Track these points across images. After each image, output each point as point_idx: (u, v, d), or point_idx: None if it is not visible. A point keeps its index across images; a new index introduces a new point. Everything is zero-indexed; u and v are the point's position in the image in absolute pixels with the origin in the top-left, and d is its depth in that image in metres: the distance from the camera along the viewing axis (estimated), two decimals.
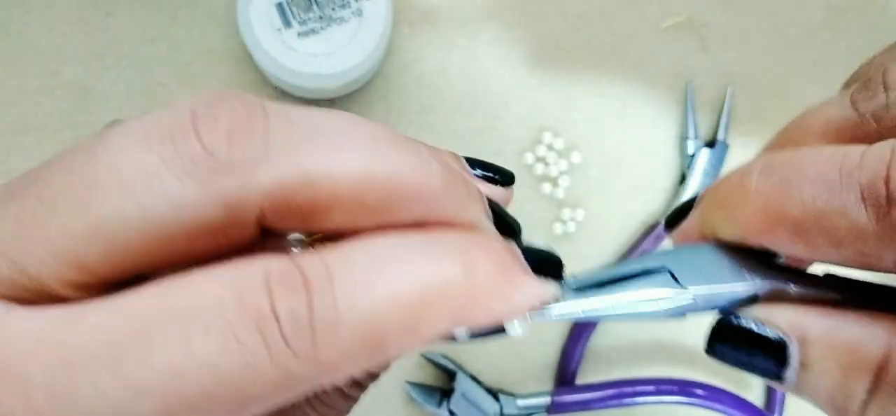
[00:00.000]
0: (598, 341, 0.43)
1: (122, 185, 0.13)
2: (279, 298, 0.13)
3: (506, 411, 0.40)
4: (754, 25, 0.45)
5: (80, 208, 0.13)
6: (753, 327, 0.17)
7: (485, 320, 0.15)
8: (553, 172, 0.43)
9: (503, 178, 0.21)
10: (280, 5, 0.39)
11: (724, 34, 0.45)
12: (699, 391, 0.41)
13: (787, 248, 0.17)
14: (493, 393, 0.41)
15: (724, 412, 0.41)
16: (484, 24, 0.44)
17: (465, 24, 0.43)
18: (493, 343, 0.43)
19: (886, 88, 0.18)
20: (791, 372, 0.17)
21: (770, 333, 0.17)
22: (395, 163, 0.15)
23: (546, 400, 0.41)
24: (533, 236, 0.43)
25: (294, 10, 0.39)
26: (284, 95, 0.41)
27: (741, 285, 0.17)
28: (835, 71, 0.46)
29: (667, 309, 0.17)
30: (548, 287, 0.16)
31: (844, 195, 0.15)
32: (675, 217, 0.21)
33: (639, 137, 0.45)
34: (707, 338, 0.18)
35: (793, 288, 0.18)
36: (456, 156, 0.20)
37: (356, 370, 0.14)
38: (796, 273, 0.18)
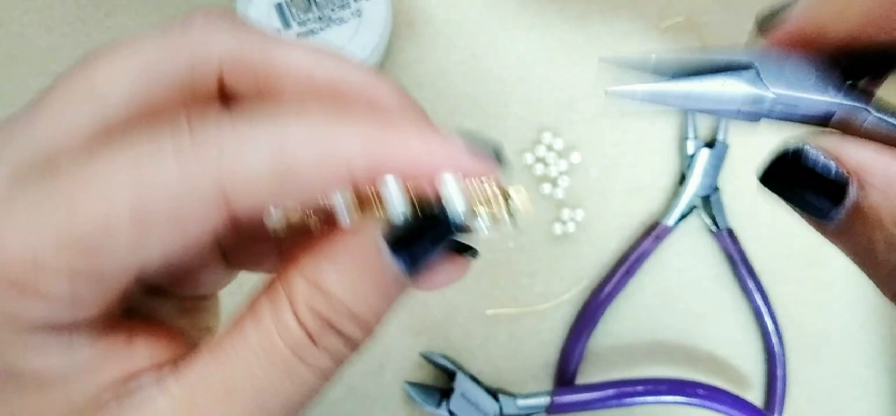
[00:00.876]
0: (598, 341, 0.43)
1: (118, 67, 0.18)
2: (197, 116, 0.17)
3: (505, 411, 0.40)
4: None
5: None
6: (820, 158, 0.16)
7: (398, 159, 0.17)
8: (553, 172, 0.43)
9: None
10: (279, 6, 0.39)
11: (724, 34, 0.45)
12: (699, 391, 0.41)
13: None
14: (493, 393, 0.41)
15: (724, 412, 0.41)
16: (484, 24, 0.44)
17: (464, 24, 0.43)
18: (492, 343, 0.43)
19: None
20: (841, 213, 0.16)
21: (833, 169, 0.16)
22: (340, 64, 0.18)
23: (546, 400, 0.41)
24: (533, 236, 0.43)
25: (293, 10, 0.39)
26: None
27: (824, 98, 0.16)
28: None
29: (745, 109, 0.17)
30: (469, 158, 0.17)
31: None
32: (771, 17, 0.19)
33: (638, 137, 0.45)
34: (766, 164, 0.17)
35: (872, 115, 0.16)
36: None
37: (263, 174, 0.16)
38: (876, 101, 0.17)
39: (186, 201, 0.16)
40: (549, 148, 0.43)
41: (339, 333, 0.18)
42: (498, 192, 0.18)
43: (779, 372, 0.44)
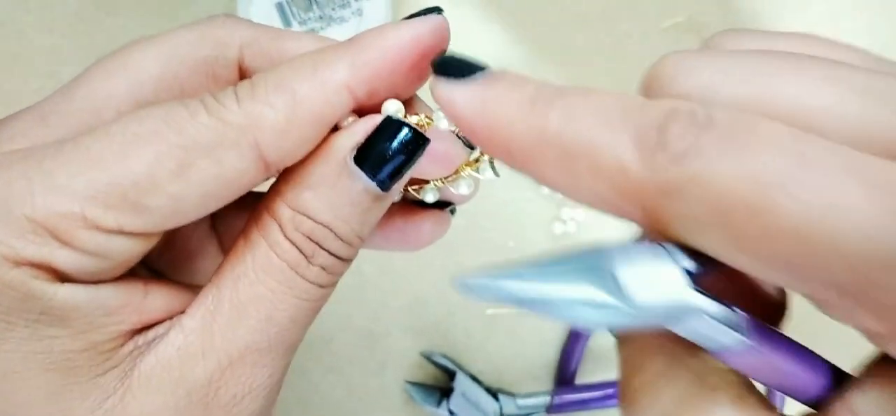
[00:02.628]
0: (599, 341, 0.43)
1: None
2: (218, 92, 0.19)
3: (505, 411, 0.40)
4: (754, 26, 0.45)
5: None
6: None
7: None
8: None
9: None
10: (280, 5, 0.39)
11: None
12: None
13: (549, 172, 0.16)
14: (493, 393, 0.41)
15: None
16: (484, 25, 0.44)
17: (464, 24, 0.43)
18: (492, 343, 0.43)
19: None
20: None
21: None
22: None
23: (546, 400, 0.41)
24: (533, 236, 0.43)
25: (294, 9, 0.39)
26: None
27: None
28: None
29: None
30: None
31: (618, 134, 0.14)
32: (449, 68, 0.18)
33: None
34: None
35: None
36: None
37: (281, 117, 0.19)
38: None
39: (224, 152, 0.18)
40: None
41: (328, 251, 0.20)
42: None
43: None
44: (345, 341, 0.42)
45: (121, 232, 0.18)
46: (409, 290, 0.43)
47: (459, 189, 0.22)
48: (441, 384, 0.42)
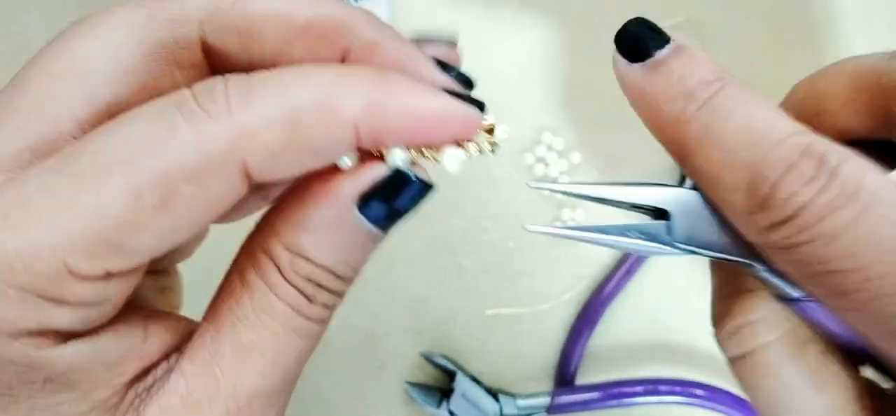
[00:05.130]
0: (598, 341, 0.43)
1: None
2: (200, 87, 0.17)
3: (505, 411, 0.40)
4: (754, 25, 0.45)
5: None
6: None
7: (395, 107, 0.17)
8: (553, 172, 0.43)
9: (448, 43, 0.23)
10: None
11: (724, 34, 0.45)
12: (699, 392, 0.41)
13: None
14: (493, 393, 0.41)
15: (724, 412, 0.41)
16: (483, 25, 0.44)
17: (464, 24, 0.43)
18: (492, 343, 0.43)
19: None
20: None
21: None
22: (316, 2, 0.19)
23: (546, 400, 0.41)
24: (533, 237, 0.43)
25: None
26: None
27: (722, 255, 0.19)
28: None
29: (651, 252, 0.20)
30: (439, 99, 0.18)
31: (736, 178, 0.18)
32: (626, 40, 0.24)
33: (638, 137, 0.45)
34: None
35: (760, 271, 0.19)
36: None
37: (277, 140, 0.16)
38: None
39: (210, 175, 0.16)
40: (549, 148, 0.43)
41: (328, 290, 0.19)
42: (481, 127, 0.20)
43: None
44: (345, 342, 0.42)
45: (110, 276, 0.16)
46: (409, 291, 0.43)
47: (450, 165, 0.20)
48: (441, 385, 0.42)
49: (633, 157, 0.44)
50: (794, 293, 0.18)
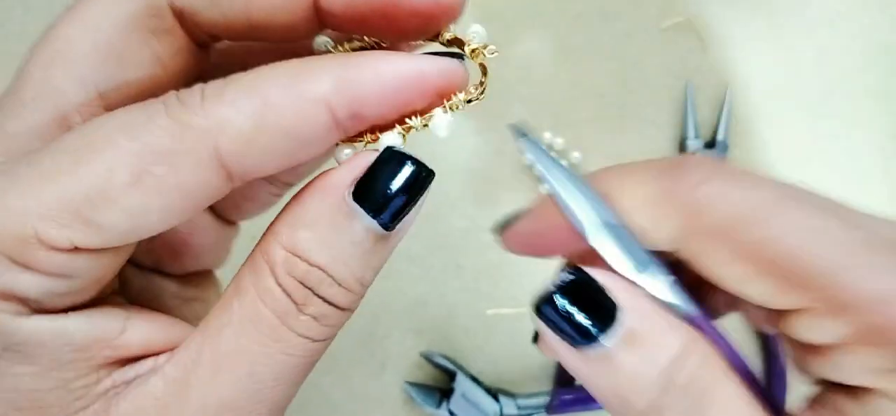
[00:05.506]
0: None
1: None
2: (184, 90, 0.17)
3: (505, 411, 0.40)
4: (754, 25, 0.45)
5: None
6: (596, 285, 0.19)
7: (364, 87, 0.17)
8: None
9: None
10: None
11: (724, 34, 0.45)
12: None
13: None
14: (493, 393, 0.41)
15: None
16: (483, 25, 0.44)
17: (464, 24, 0.43)
18: (492, 343, 0.43)
19: None
20: (612, 336, 0.18)
21: (607, 297, 0.19)
22: None
23: (546, 400, 0.41)
24: None
25: None
26: None
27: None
28: (834, 71, 0.46)
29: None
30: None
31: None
32: (505, 223, 0.24)
33: (639, 137, 0.45)
34: (545, 293, 0.19)
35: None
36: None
37: (248, 124, 0.17)
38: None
39: (182, 159, 0.16)
40: (549, 148, 0.43)
41: (323, 299, 0.18)
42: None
43: (778, 369, 0.44)
44: (345, 342, 0.42)
45: (77, 250, 0.17)
46: (409, 291, 0.43)
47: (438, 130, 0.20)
48: (441, 385, 0.42)
49: (632, 156, 0.44)
50: (691, 311, 0.19)
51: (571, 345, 0.19)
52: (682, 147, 0.44)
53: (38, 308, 0.17)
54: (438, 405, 0.40)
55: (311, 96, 0.17)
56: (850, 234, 0.17)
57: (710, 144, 0.44)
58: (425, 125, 0.19)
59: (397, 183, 0.18)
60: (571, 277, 0.18)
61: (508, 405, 0.40)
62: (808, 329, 0.18)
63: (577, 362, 0.19)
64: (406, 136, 0.19)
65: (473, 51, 0.20)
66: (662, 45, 0.44)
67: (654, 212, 0.19)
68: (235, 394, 0.18)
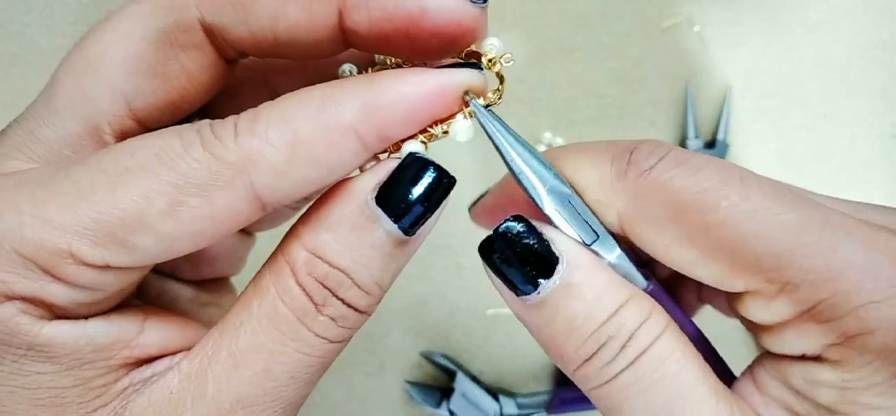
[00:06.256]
0: None
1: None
2: (217, 121, 0.18)
3: (505, 410, 0.40)
4: (754, 25, 0.45)
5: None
6: (537, 236, 0.19)
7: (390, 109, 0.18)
8: None
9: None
10: None
11: (724, 34, 0.45)
12: None
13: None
14: (493, 393, 0.41)
15: None
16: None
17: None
18: (492, 343, 0.43)
19: None
20: (549, 285, 0.19)
21: (547, 248, 0.19)
22: None
23: (545, 400, 0.41)
24: None
25: None
26: None
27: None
28: (834, 71, 0.46)
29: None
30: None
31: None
32: (477, 201, 0.27)
33: (638, 136, 0.45)
34: (489, 238, 0.20)
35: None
36: None
37: (280, 158, 0.17)
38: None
39: (217, 193, 0.17)
40: (549, 148, 0.43)
41: (343, 300, 0.18)
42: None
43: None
44: None
45: (108, 268, 0.17)
46: (409, 291, 0.43)
47: (458, 136, 0.20)
48: (441, 385, 0.42)
49: None
50: (644, 283, 0.20)
51: (511, 291, 0.19)
52: (683, 147, 0.44)
53: (63, 315, 0.18)
54: (438, 404, 0.40)
55: (339, 126, 0.17)
56: (795, 215, 0.18)
57: (710, 144, 0.44)
58: (446, 132, 0.20)
59: (419, 189, 0.18)
60: (517, 226, 0.19)
61: (508, 404, 0.40)
62: (758, 310, 0.19)
63: (518, 307, 0.20)
64: (428, 143, 0.19)
65: (490, 60, 0.21)
66: (662, 45, 0.44)
67: (604, 193, 0.20)
68: (251, 390, 0.18)
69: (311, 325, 0.18)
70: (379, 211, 0.18)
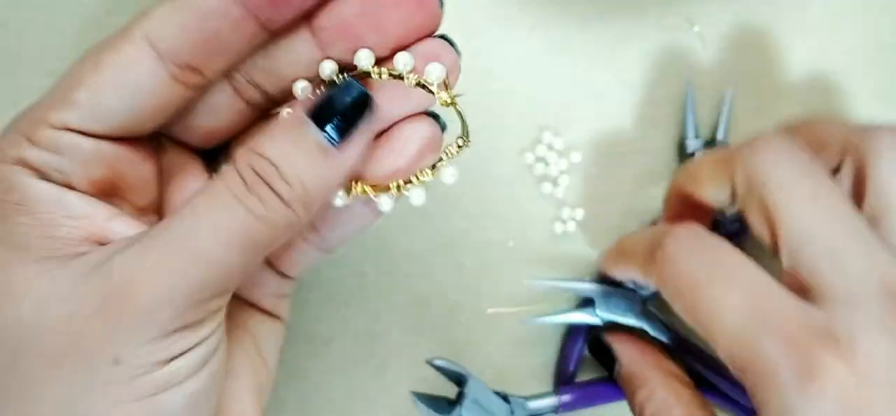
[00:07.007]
0: None
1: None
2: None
3: (516, 414, 0.40)
4: (754, 25, 0.45)
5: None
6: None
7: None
8: (553, 171, 0.43)
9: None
10: None
11: (724, 34, 0.45)
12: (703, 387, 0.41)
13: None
14: (503, 396, 0.40)
15: (725, 402, 0.41)
16: (484, 24, 0.44)
17: (464, 24, 0.43)
18: (492, 343, 0.43)
19: None
20: (616, 371, 0.34)
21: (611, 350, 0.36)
22: None
23: (555, 401, 0.40)
24: (533, 236, 0.43)
25: None
26: None
27: (629, 321, 0.38)
28: (834, 71, 0.46)
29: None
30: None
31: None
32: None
33: (638, 136, 0.45)
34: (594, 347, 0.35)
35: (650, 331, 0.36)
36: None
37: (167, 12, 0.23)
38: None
39: (119, 39, 0.23)
40: (550, 148, 0.43)
41: (270, 187, 0.22)
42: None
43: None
44: (345, 341, 0.42)
45: (66, 128, 0.23)
46: (409, 290, 0.43)
47: (382, 205, 0.26)
48: (447, 392, 0.41)
49: (632, 156, 0.44)
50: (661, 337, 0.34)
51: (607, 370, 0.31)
52: (682, 147, 0.44)
53: (44, 177, 0.23)
54: (449, 413, 0.39)
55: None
56: (741, 315, 0.25)
57: (710, 144, 0.44)
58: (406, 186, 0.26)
59: (343, 102, 0.23)
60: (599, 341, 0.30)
61: (519, 408, 0.40)
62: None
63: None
64: (400, 194, 0.26)
65: (444, 101, 0.26)
66: (662, 46, 0.44)
67: (643, 274, 0.31)
68: (175, 233, 0.23)
69: (241, 198, 0.22)
70: (308, 120, 0.23)
